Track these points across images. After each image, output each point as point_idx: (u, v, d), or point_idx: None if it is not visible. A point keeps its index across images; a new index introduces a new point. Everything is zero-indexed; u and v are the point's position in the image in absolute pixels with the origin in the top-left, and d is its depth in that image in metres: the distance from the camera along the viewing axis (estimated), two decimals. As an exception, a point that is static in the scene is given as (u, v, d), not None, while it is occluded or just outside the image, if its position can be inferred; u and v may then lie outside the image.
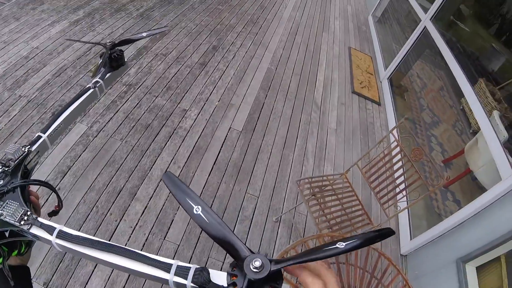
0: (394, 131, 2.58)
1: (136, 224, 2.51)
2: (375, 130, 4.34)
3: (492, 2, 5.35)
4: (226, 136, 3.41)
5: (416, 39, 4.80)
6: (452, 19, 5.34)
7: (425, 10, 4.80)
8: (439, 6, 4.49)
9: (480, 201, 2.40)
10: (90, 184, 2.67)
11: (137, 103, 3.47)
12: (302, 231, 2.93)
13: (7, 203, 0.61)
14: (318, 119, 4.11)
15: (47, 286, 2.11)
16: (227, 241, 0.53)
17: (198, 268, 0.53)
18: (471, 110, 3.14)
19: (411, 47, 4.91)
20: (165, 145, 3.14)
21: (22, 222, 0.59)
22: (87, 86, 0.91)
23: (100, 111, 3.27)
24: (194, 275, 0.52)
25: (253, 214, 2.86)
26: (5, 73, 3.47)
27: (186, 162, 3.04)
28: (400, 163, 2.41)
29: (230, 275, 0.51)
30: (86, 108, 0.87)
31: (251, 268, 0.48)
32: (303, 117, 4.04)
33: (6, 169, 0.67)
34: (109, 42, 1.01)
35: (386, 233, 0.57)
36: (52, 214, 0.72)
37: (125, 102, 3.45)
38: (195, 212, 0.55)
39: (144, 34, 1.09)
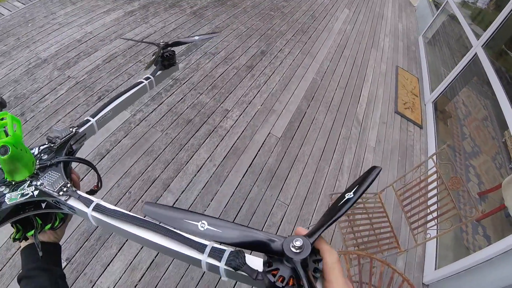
0: (434, 157, 2.55)
1: (166, 215, 2.57)
2: (413, 153, 4.27)
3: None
4: (264, 141, 3.45)
5: (466, 65, 4.69)
6: (503, 48, 5.21)
7: (477, 36, 4.70)
8: (492, 34, 4.39)
9: (512, 239, 2.35)
10: (126, 170, 2.77)
11: (182, 98, 3.56)
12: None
13: (48, 174, 0.66)
14: (358, 135, 4.09)
15: (69, 261, 2.21)
16: (253, 241, 0.50)
17: (233, 251, 0.53)
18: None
19: (459, 72, 4.80)
20: (204, 142, 3.20)
21: (60, 193, 0.63)
22: (139, 80, 0.96)
23: (145, 100, 3.38)
24: (228, 257, 0.53)
25: (281, 222, 2.87)
26: (57, 53, 3.66)
27: (222, 161, 3.10)
28: (435, 191, 2.38)
29: (267, 264, 0.49)
30: (135, 100, 0.91)
31: (294, 250, 0.46)
32: (343, 131, 4.03)
33: (52, 145, 0.72)
34: (163, 42, 1.07)
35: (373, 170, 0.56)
36: (90, 193, 0.75)
37: (170, 95, 3.55)
38: (201, 229, 0.51)
39: (197, 38, 1.15)
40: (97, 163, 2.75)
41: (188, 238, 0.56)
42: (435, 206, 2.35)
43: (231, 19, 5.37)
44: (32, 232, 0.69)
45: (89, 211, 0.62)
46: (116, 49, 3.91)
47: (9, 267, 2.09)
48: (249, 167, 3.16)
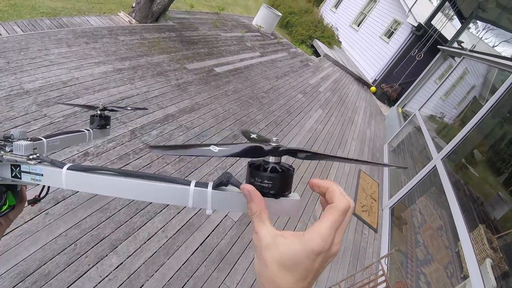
0: (383, 260, 2.59)
1: (107, 276, 2.48)
2: (366, 255, 4.30)
3: (506, 152, 5.49)
4: (220, 222, 3.44)
5: (425, 175, 4.92)
6: (463, 162, 5.48)
7: (439, 149, 4.97)
8: (452, 148, 4.67)
9: None
10: (77, 222, 2.71)
11: (148, 163, 3.60)
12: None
13: (14, 143, 0.60)
14: (313, 230, 4.09)
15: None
16: (249, 148, 0.53)
17: (217, 178, 0.54)
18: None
19: (418, 182, 5.02)
20: (160, 211, 3.18)
21: (31, 157, 0.58)
22: (82, 129, 1.04)
23: (111, 158, 3.41)
24: (214, 182, 0.54)
25: (224, 305, 2.80)
26: (40, 89, 3.73)
27: (174, 234, 3.05)
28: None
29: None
30: (76, 142, 0.97)
31: (273, 144, 0.53)
32: (299, 226, 4.05)
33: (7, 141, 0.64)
34: (102, 105, 1.15)
35: None
36: (33, 201, 0.71)
37: (138, 158, 3.59)
38: (214, 151, 0.53)
39: (129, 108, 1.24)
40: (51, 207, 2.68)
41: (173, 177, 0.55)
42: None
43: (212, 99, 5.59)
44: None
45: (63, 170, 0.57)
46: (96, 101, 3.97)
47: None
48: (200, 245, 3.11)
